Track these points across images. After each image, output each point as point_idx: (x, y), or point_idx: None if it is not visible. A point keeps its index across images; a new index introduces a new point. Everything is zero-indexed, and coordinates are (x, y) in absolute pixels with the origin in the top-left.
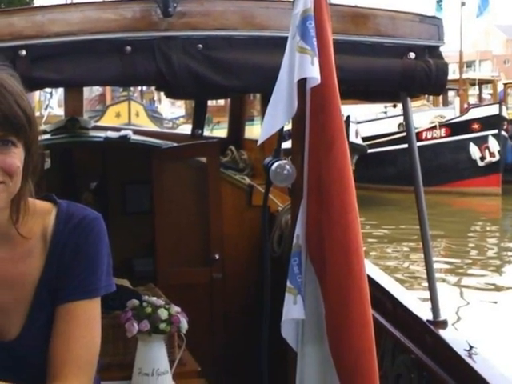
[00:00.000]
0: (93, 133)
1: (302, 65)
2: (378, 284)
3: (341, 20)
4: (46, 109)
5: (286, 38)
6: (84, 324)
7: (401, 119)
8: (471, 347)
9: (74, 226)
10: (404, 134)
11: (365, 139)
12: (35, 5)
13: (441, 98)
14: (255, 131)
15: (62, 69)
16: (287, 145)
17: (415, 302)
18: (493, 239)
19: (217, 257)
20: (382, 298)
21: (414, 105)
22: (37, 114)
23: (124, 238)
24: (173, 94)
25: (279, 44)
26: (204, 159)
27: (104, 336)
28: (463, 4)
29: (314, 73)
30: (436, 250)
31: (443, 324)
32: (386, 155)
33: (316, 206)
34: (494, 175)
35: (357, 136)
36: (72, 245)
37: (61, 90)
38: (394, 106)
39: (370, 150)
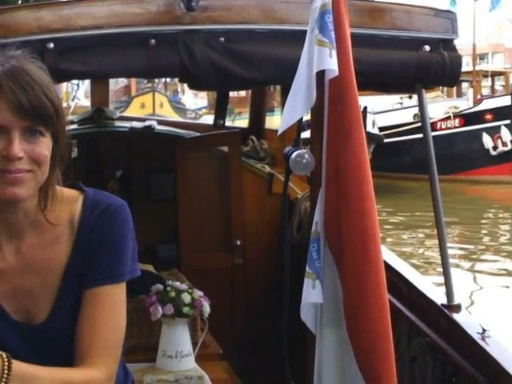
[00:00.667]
0: (118, 123)
1: (321, 57)
2: (394, 269)
3: (358, 14)
4: (73, 100)
5: (305, 31)
6: (110, 308)
7: (416, 110)
8: (484, 330)
9: (100, 213)
10: (419, 124)
11: (381, 129)
12: None
13: (455, 89)
14: (275, 121)
15: (89, 61)
16: (306, 135)
17: (430, 287)
18: (505, 226)
19: (238, 243)
20: (397, 283)
21: (428, 96)
22: (64, 104)
23: (148, 225)
24: (196, 86)
25: (298, 37)
26: (226, 148)
27: (129, 319)
28: None
29: (332, 65)
30: (450, 236)
31: (457, 308)
32: (402, 145)
33: (334, 193)
34: (507, 164)
35: (373, 126)
36: (98, 231)
37: (87, 82)
38: (410, 97)
39: (386, 140)
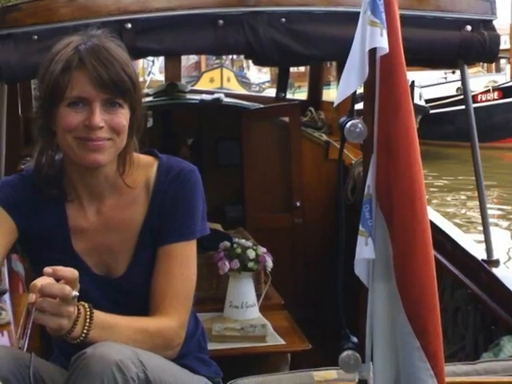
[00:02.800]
0: (189, 96)
1: (373, 36)
2: (439, 228)
3: None
4: (148, 75)
5: (359, 12)
6: (182, 263)
7: (459, 84)
8: None
9: (173, 177)
10: (461, 96)
11: (427, 101)
12: None
13: (494, 65)
14: (331, 94)
15: (163, 40)
16: (359, 106)
17: (471, 244)
18: None
19: (298, 204)
20: (442, 240)
21: (470, 71)
22: (140, 79)
23: (217, 188)
24: (259, 62)
25: (352, 18)
26: (287, 119)
27: (199, 273)
28: None
29: (382, 43)
30: (489, 198)
31: (496, 263)
32: (446, 115)
33: (385, 159)
34: None
35: (420, 98)
36: (171, 193)
37: (161, 59)
38: (453, 73)
39: (431, 111)
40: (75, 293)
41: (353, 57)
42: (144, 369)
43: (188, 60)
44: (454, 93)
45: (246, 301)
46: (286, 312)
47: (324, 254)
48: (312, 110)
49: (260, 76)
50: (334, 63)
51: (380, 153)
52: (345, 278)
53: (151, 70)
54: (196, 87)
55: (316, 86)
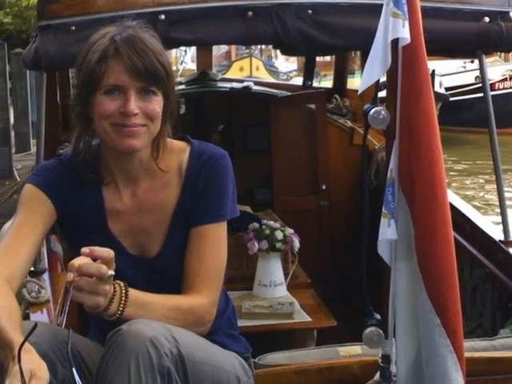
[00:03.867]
0: (220, 84)
1: (395, 27)
2: (459, 210)
3: None
4: (181, 64)
5: (382, 4)
6: (213, 243)
7: (477, 72)
8: None
9: (204, 161)
10: (480, 84)
11: (447, 89)
12: None
13: (511, 54)
14: (356, 82)
15: (195, 30)
16: (383, 94)
17: (489, 225)
18: None
19: (324, 187)
20: (461, 222)
21: (488, 60)
22: (173, 68)
23: (246, 172)
24: (287, 52)
25: (376, 10)
26: (313, 106)
27: (230, 253)
28: None
29: (404, 34)
30: (507, 181)
31: None
32: (465, 102)
33: (407, 144)
34: None
35: (440, 86)
36: (203, 177)
37: (193, 48)
38: (472, 62)
39: (451, 98)
40: (111, 272)
41: (376, 47)
42: (177, 344)
43: (219, 50)
44: (473, 81)
45: (274, 279)
46: (313, 290)
47: (349, 235)
48: (337, 97)
49: (287, 65)
50: (359, 53)
51: (402, 138)
52: (368, 257)
53: (184, 60)
54: (226, 76)
55: (341, 75)
